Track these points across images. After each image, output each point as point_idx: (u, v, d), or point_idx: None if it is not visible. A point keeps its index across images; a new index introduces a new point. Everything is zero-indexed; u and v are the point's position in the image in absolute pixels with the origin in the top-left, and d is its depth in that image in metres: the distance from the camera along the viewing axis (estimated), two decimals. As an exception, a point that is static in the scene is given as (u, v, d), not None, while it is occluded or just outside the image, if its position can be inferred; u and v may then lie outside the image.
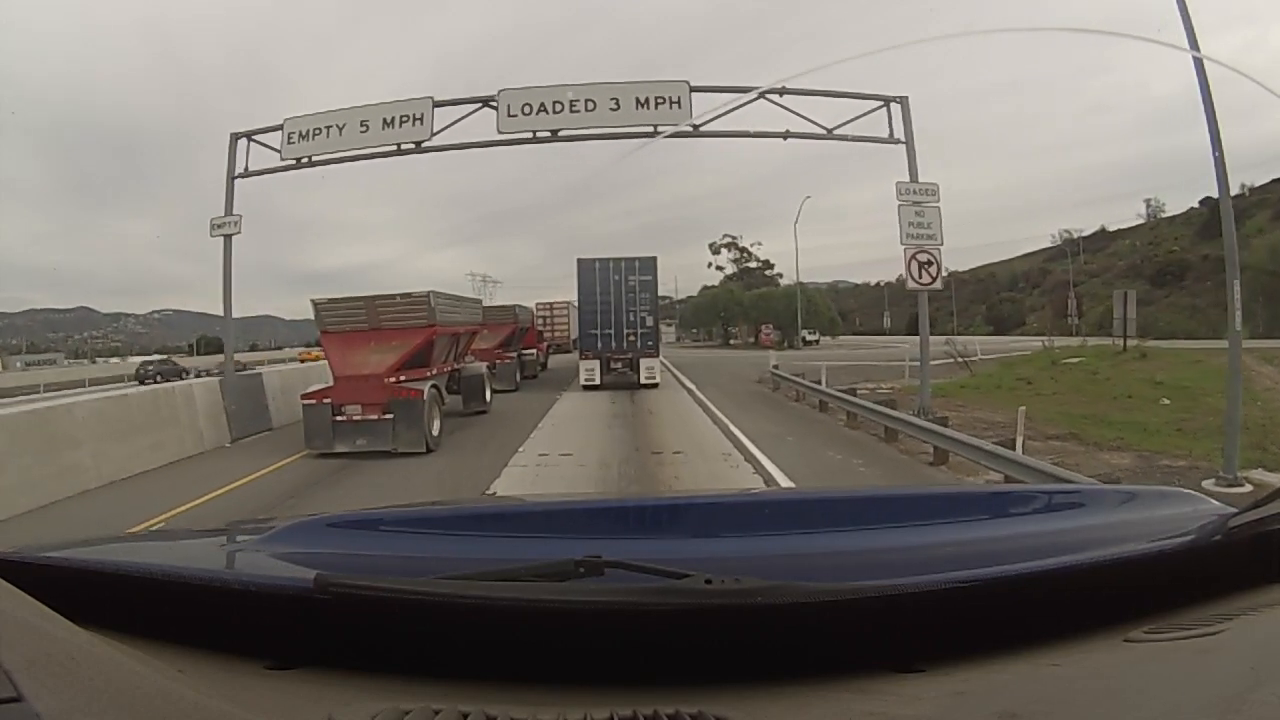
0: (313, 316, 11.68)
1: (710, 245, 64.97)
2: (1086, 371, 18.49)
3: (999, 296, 73.64)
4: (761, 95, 11.13)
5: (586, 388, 18.50)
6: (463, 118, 12.77)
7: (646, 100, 12.42)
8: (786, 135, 12.33)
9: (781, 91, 11.79)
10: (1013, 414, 14.46)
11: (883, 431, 10.31)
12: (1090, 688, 0.77)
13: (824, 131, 12.35)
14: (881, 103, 12.45)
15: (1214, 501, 1.31)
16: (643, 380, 18.46)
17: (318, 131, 12.82)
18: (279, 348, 71.10)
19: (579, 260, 19.58)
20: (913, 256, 11.71)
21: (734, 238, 64.79)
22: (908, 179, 12.17)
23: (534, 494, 7.03)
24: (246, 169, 13.40)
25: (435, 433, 10.90)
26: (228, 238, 13.26)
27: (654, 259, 19.72)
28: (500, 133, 12.63)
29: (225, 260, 13.28)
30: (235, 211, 13.28)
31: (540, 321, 28.75)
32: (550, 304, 32.31)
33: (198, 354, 72.33)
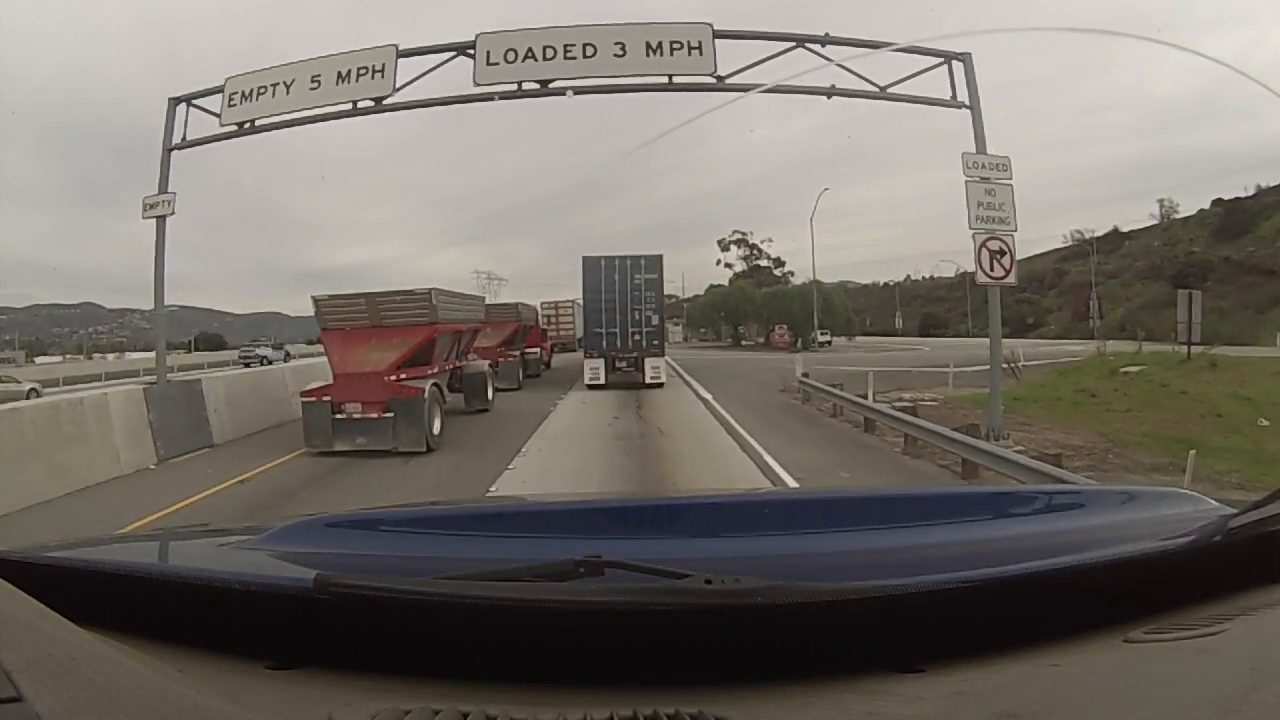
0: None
1: (719, 242, 62.52)
2: (1154, 383, 16.33)
3: (1014, 297, 71.33)
4: (801, 45, 9.11)
5: (591, 387, 18.10)
6: (433, 69, 10.59)
7: (659, 46, 10.20)
8: (831, 92, 10.18)
9: (824, 41, 9.70)
10: (1089, 433, 12.44)
11: (956, 464, 8.18)
12: (1090, 688, 0.77)
13: (876, 90, 10.18)
14: (940, 59, 10.42)
15: (1214, 501, 1.30)
16: (648, 380, 18.19)
17: (263, 90, 10.70)
18: (279, 345, 70.54)
19: (584, 258, 19.27)
20: (983, 244, 9.84)
21: (744, 234, 62.29)
22: (974, 150, 10.34)
23: (534, 493, 6.89)
24: (184, 138, 11.33)
25: (436, 431, 10.73)
26: (160, 219, 11.20)
27: (659, 257, 19.37)
28: (477, 84, 10.42)
29: (158, 245, 11.27)
30: (171, 189, 11.34)
31: (545, 320, 28.75)
32: (555, 303, 32.58)
33: (196, 350, 70.75)
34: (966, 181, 9.76)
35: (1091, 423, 12.76)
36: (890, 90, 10.17)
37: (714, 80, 10.26)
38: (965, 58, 10.44)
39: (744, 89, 10.03)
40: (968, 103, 10.29)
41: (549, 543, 1.29)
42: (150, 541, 1.80)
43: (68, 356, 69.77)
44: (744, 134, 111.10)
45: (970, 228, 9.64)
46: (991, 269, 9.74)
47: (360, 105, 10.56)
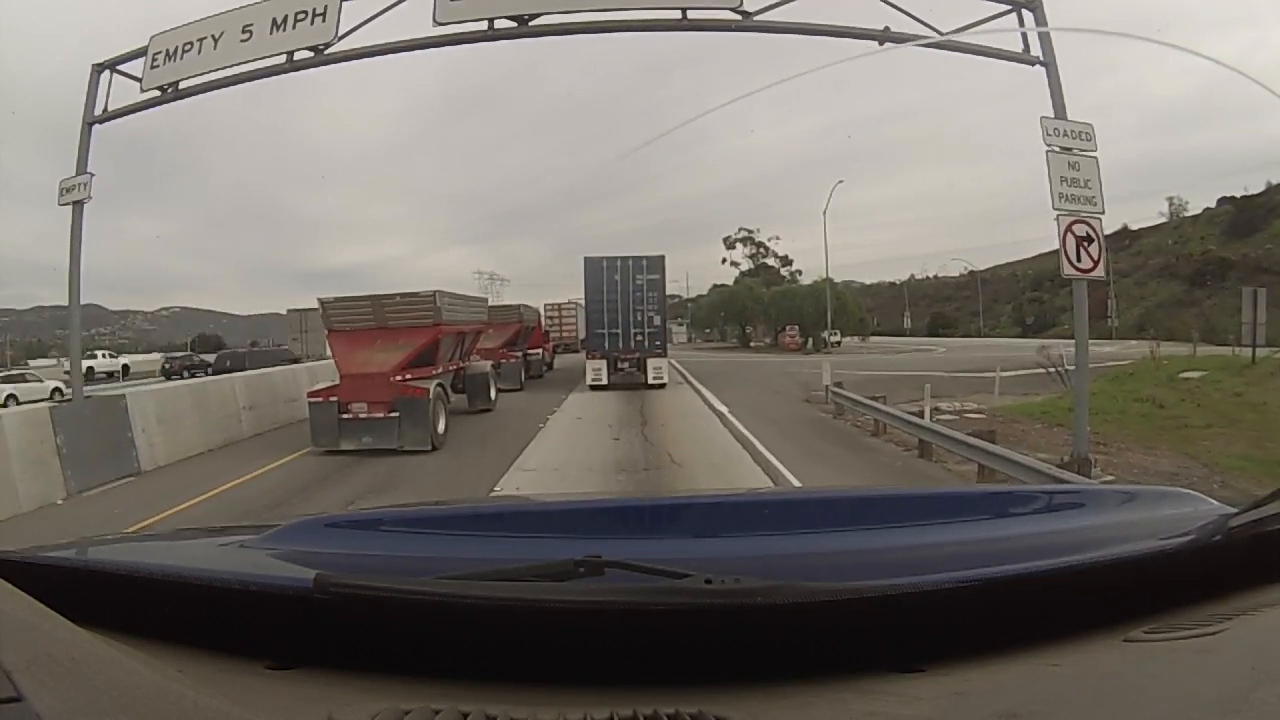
0: (320, 314, 11.74)
1: (725, 239, 60.15)
2: (1223, 391, 14.50)
3: (1026, 296, 69.51)
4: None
5: (593, 388, 18.09)
6: (385, 10, 8.59)
7: (671, -28, 8.15)
8: (884, 37, 8.26)
9: (871, -19, 7.92)
10: (1175, 455, 10.89)
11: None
12: (1090, 688, 0.76)
13: (936, 35, 8.31)
14: (1008, 7, 8.62)
15: (1214, 501, 1.29)
16: (650, 380, 18.21)
17: (189, 47, 8.96)
18: (278, 346, 69.09)
19: (585, 259, 19.22)
20: (1069, 228, 8.19)
21: (750, 232, 60.01)
22: (1051, 114, 8.70)
23: (534, 493, 6.87)
24: (106, 109, 9.58)
25: (441, 430, 10.86)
26: (77, 206, 9.46)
27: (661, 257, 19.34)
28: (437, 24, 8.47)
29: (74, 236, 9.55)
30: (90, 170, 9.60)
31: (548, 321, 29.09)
32: (559, 305, 33.12)
33: (193, 352, 69.48)
34: (1047, 152, 8.15)
35: (1172, 441, 11.06)
36: (953, 38, 8.32)
37: (738, 17, 8.37)
38: (1036, 5, 8.68)
39: (774, 29, 8.14)
40: (1042, 58, 8.52)
41: (549, 543, 1.28)
42: (150, 541, 1.79)
43: (60, 359, 68.48)
44: (744, 135, 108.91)
45: (1054, 208, 8.03)
46: (1079, 260, 8.00)
47: (297, 57, 8.75)
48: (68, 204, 9.49)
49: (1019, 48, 8.48)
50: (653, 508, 1.70)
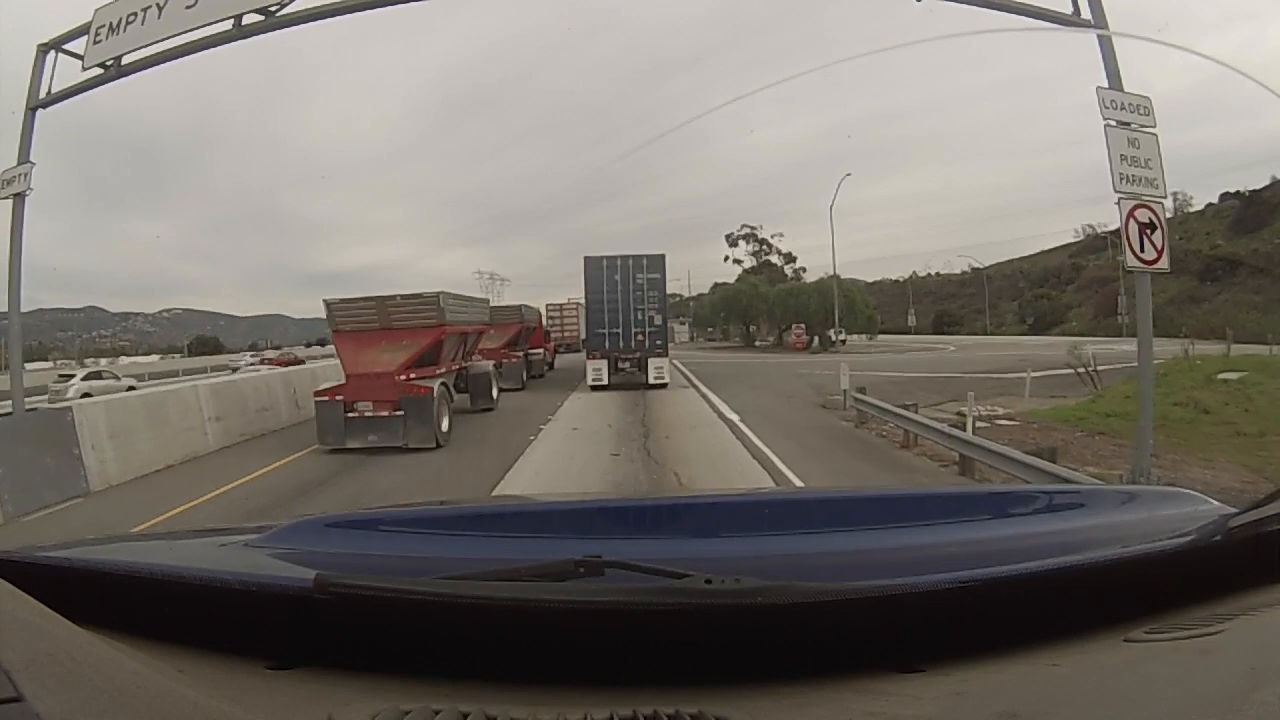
0: (324, 316, 11.84)
1: (727, 237, 59.25)
2: (1267, 394, 13.59)
3: (1032, 293, 68.43)
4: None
5: (594, 388, 18.00)
6: None
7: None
8: (918, -4, 7.32)
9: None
10: (1235, 467, 10.03)
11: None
12: (1090, 688, 0.76)
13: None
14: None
15: (1214, 501, 1.27)
16: (651, 380, 18.11)
17: (132, 18, 8.10)
18: (277, 347, 69.00)
19: (586, 258, 19.11)
20: (1131, 214, 7.20)
21: (753, 229, 58.97)
22: (1106, 85, 7.46)
23: (535, 494, 6.95)
24: (50, 92, 8.68)
25: (445, 429, 11.05)
26: (18, 199, 8.53)
27: (662, 256, 19.23)
28: None
29: (14, 232, 8.59)
30: (32, 158, 8.67)
31: (549, 321, 29.27)
32: (560, 305, 33.55)
33: (191, 355, 68.89)
34: (1106, 127, 7.29)
35: (1227, 451, 10.05)
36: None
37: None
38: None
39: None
40: (1092, 21, 7.63)
41: (549, 543, 1.27)
42: (150, 541, 1.81)
43: (59, 363, 68.15)
44: (745, 134, 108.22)
45: (1115, 190, 7.14)
46: (1142, 249, 7.07)
47: (246, 22, 7.83)
48: (6, 197, 8.59)
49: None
50: (653, 508, 1.70)
